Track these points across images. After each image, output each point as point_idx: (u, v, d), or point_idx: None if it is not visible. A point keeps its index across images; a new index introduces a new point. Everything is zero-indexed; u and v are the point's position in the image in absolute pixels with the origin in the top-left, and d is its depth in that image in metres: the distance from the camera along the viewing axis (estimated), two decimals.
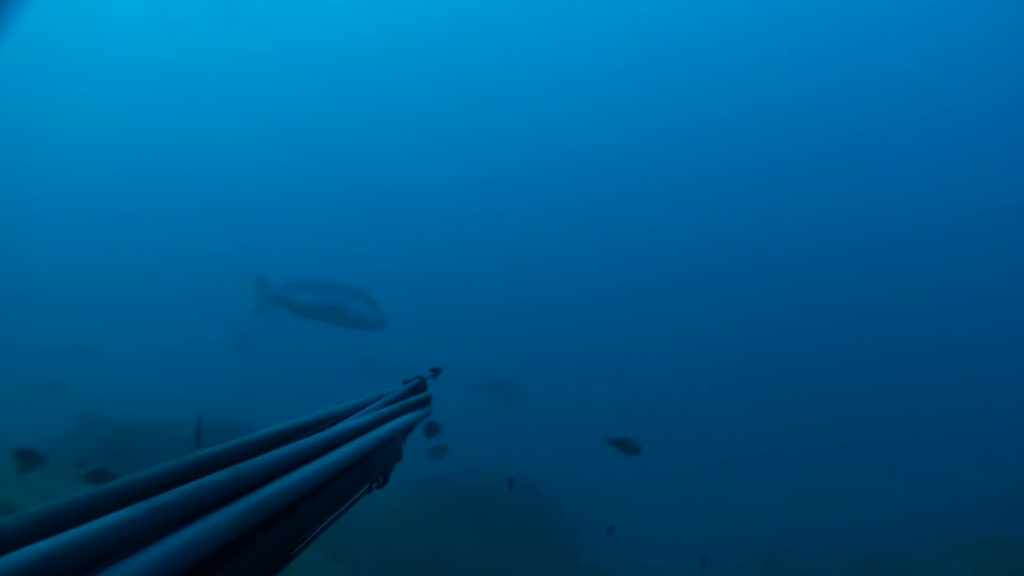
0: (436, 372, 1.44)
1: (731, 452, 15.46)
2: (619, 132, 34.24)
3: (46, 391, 13.62)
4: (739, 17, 32.06)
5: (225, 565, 0.56)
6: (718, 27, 32.47)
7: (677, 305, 27.20)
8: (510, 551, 9.37)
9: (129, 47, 34.86)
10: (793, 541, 10.61)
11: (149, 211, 30.74)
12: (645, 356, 22.88)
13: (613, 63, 34.88)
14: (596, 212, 32.41)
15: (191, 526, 0.52)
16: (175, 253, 26.72)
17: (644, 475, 11.36)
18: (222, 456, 0.64)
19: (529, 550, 9.60)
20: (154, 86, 35.09)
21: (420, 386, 1.34)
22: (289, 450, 0.71)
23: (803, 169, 31.73)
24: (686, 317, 26.17)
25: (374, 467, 0.94)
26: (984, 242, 28.43)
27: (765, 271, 28.94)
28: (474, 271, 28.62)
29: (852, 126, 29.27)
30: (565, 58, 35.20)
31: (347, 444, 0.84)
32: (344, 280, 8.00)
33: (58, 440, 9.88)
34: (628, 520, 11.20)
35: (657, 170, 33.07)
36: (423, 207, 32.17)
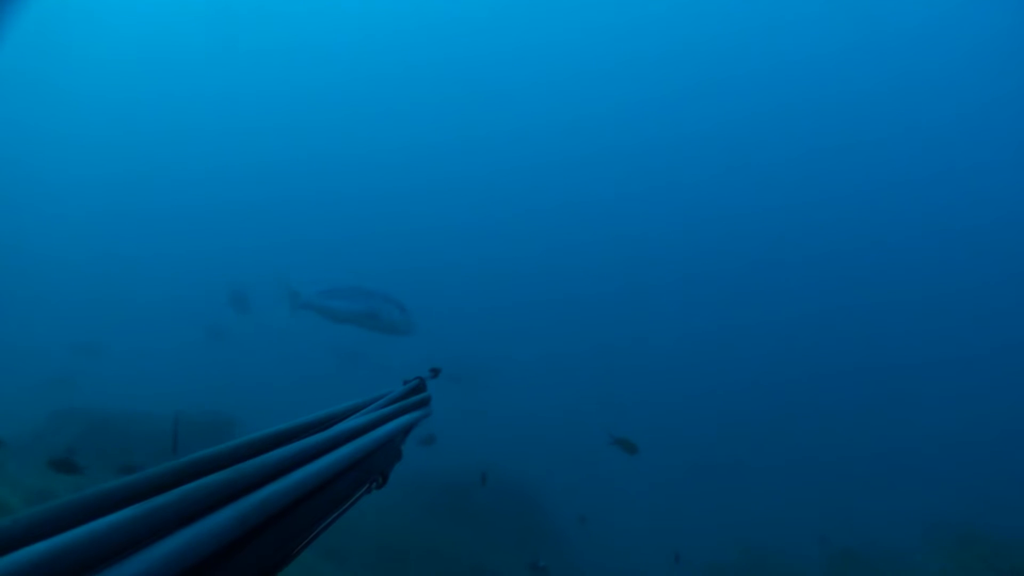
0: (436, 373, 1.44)
1: (709, 450, 15.67)
2: (605, 138, 34.34)
3: (52, 385, 13.52)
4: (741, 18, 32.12)
5: (225, 566, 0.56)
6: (728, 26, 32.52)
7: (658, 307, 27.45)
8: (487, 544, 9.43)
9: (137, 46, 34.45)
10: (770, 536, 10.78)
11: (140, 210, 30.36)
12: (627, 356, 23.09)
13: (617, 65, 34.92)
14: (578, 217, 32.49)
15: (190, 527, 0.52)
16: (162, 252, 26.56)
17: (622, 471, 11.46)
18: (221, 457, 0.64)
19: (505, 543, 9.66)
20: (153, 85, 34.85)
21: (420, 387, 1.34)
22: (288, 451, 0.71)
23: (779, 178, 31.94)
24: (667, 318, 26.46)
25: (374, 467, 0.94)
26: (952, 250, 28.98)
27: (742, 277, 29.28)
28: (460, 270, 28.62)
29: (851, 134, 29.65)
30: (566, 59, 35.16)
31: (346, 445, 0.83)
32: (357, 282, 8.17)
33: (34, 433, 9.75)
34: (605, 515, 11.37)
35: (629, 179, 33.28)
36: (411, 207, 32.22)
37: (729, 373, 22.00)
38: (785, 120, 32.16)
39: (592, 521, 9.77)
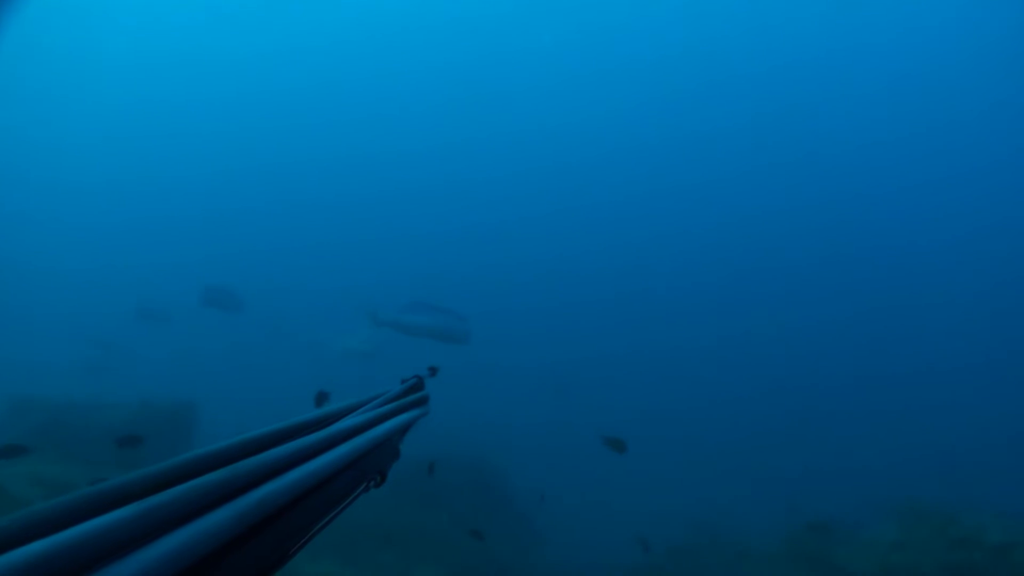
0: (434, 371, 1.44)
1: (667, 431, 15.85)
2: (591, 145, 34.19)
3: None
4: (747, 18, 32.08)
5: (221, 565, 0.55)
6: (739, 24, 32.43)
7: (616, 287, 27.60)
8: (451, 523, 9.49)
9: (150, 46, 33.92)
10: (727, 515, 10.97)
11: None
12: (593, 337, 23.22)
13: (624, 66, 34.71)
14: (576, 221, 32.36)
15: (187, 526, 0.51)
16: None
17: (583, 452, 11.56)
18: (218, 456, 0.64)
19: (470, 522, 9.72)
20: (154, 84, 34.26)
21: (418, 385, 1.34)
22: (285, 450, 0.70)
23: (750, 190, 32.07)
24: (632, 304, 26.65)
25: (371, 466, 0.93)
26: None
27: (694, 270, 29.49)
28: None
29: (855, 134, 29.76)
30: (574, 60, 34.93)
31: (344, 443, 0.83)
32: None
33: None
34: (566, 496, 11.49)
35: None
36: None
37: (694, 359, 22.23)
38: (819, 120, 31.98)
39: (553, 501, 9.87)
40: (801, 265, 27.85)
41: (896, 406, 17.81)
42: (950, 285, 26.16)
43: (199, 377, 14.00)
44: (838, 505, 10.24)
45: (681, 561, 9.39)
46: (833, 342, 23.21)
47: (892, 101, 30.81)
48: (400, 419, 1.09)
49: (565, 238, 30.53)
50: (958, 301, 25.19)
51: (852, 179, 30.56)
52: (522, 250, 29.47)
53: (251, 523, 0.58)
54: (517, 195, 33.45)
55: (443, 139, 34.81)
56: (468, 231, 31.75)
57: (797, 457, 14.32)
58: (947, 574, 8.64)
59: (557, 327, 23.79)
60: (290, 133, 34.64)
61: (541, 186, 33.37)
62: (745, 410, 17.84)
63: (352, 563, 8.65)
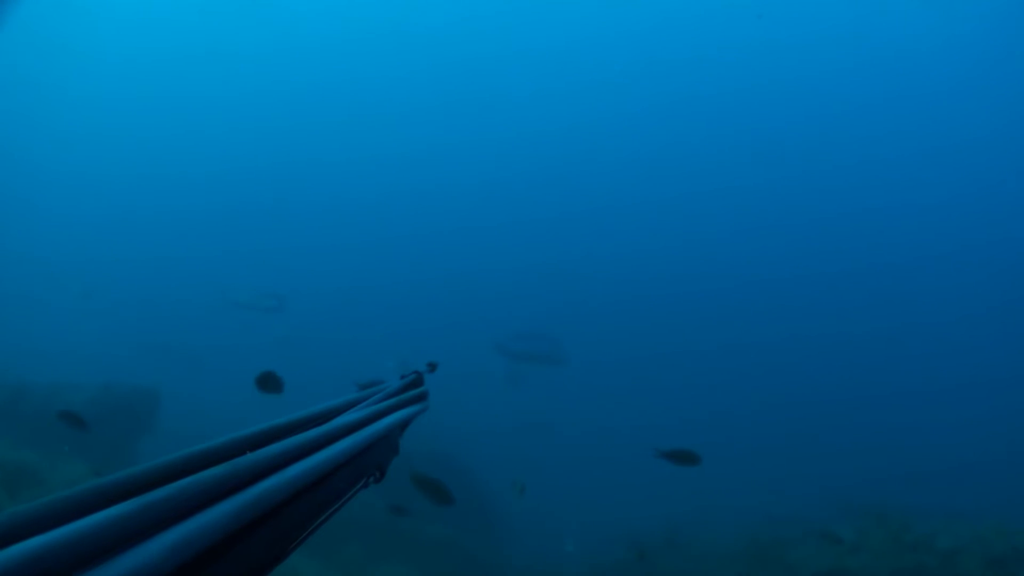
0: (433, 367, 1.44)
1: (632, 434, 16.05)
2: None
3: None
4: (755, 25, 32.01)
5: (220, 561, 0.55)
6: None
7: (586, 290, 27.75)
8: (417, 517, 9.48)
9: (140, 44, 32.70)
10: (690, 517, 11.18)
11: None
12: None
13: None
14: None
15: (185, 522, 0.51)
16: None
17: (553, 452, 11.68)
18: (218, 452, 0.64)
19: (437, 516, 9.74)
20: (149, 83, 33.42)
21: (417, 381, 1.33)
22: (284, 446, 0.70)
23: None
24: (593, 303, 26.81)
25: (370, 462, 0.93)
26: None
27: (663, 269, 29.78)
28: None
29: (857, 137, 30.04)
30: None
31: (343, 440, 0.82)
32: None
33: None
34: (536, 495, 11.58)
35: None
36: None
37: (660, 365, 22.46)
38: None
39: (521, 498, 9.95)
40: (770, 280, 28.20)
41: (858, 415, 18.30)
42: (917, 301, 26.89)
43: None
44: (797, 509, 10.49)
45: (644, 560, 9.52)
46: (795, 352, 23.68)
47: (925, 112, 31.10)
48: (399, 415, 1.09)
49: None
50: (919, 319, 25.85)
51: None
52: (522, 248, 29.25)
53: (250, 519, 0.58)
54: (517, 196, 33.28)
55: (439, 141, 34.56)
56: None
57: (758, 462, 14.63)
58: None
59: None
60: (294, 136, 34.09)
61: (537, 185, 33.32)
62: (709, 417, 18.14)
63: (318, 556, 8.61)
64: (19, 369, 10.39)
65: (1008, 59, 27.89)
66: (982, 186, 29.18)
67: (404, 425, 1.14)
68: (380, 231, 30.31)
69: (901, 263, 28.41)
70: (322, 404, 0.93)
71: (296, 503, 0.68)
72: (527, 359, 10.19)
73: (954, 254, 28.27)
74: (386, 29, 34.83)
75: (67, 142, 31.87)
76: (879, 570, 9.00)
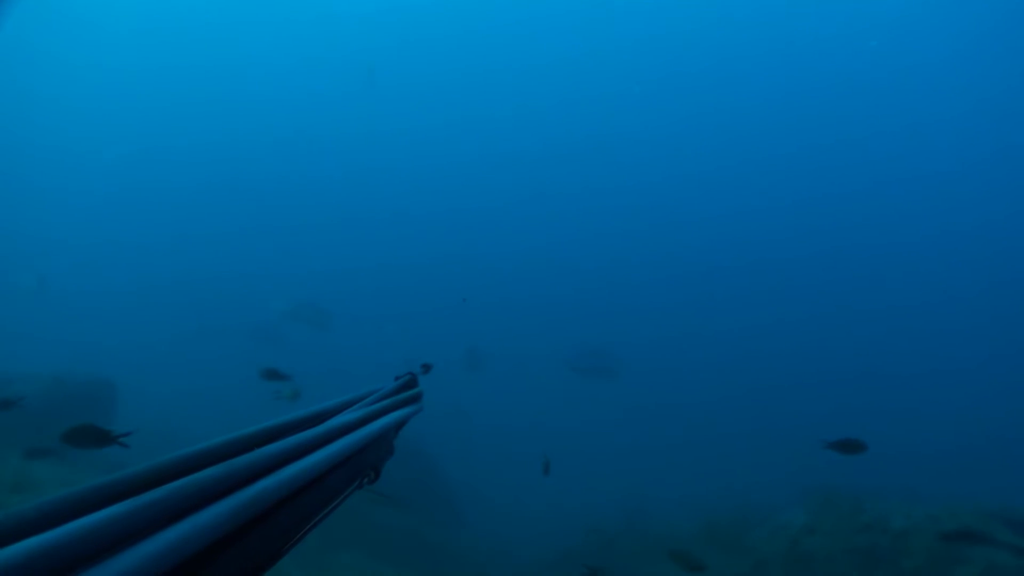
0: (427, 369, 1.45)
1: (592, 420, 16.16)
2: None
3: None
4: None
5: (215, 562, 0.55)
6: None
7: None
8: (374, 504, 9.45)
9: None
10: (649, 502, 11.29)
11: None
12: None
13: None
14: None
15: (181, 522, 0.51)
16: None
17: (512, 438, 11.70)
18: (213, 452, 0.64)
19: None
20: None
21: (411, 382, 1.34)
22: (280, 447, 0.70)
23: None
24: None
25: (365, 463, 0.94)
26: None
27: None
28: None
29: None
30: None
31: (338, 440, 0.83)
32: None
33: None
34: (494, 482, 11.60)
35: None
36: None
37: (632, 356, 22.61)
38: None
39: (484, 487, 9.99)
40: (725, 268, 28.44)
41: (813, 400, 18.55)
42: (872, 287, 27.29)
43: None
44: (753, 491, 10.61)
45: (604, 544, 9.58)
46: (749, 337, 23.96)
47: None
48: (394, 416, 1.10)
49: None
50: (870, 305, 26.22)
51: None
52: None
53: (246, 520, 0.58)
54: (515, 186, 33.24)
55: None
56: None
57: (714, 447, 14.78)
58: (854, 557, 9.06)
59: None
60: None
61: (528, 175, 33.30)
62: (667, 404, 18.31)
63: None
64: None
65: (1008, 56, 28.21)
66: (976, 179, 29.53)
67: (399, 426, 1.14)
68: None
69: (855, 250, 28.83)
70: (318, 405, 0.93)
71: (292, 503, 0.68)
72: (591, 373, 12.33)
73: (914, 243, 28.62)
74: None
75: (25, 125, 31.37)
76: (833, 551, 9.14)
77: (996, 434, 15.72)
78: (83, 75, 32.93)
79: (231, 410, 9.95)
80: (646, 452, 14.50)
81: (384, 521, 9.33)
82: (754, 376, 21.21)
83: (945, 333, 23.80)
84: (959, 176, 29.58)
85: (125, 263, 23.62)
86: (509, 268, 28.59)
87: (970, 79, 29.81)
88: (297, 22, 34.64)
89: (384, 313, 23.04)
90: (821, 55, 31.88)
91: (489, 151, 34.08)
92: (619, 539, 9.72)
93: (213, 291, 20.68)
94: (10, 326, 15.22)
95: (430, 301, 23.87)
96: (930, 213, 29.27)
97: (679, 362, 22.40)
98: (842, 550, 9.12)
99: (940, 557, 8.92)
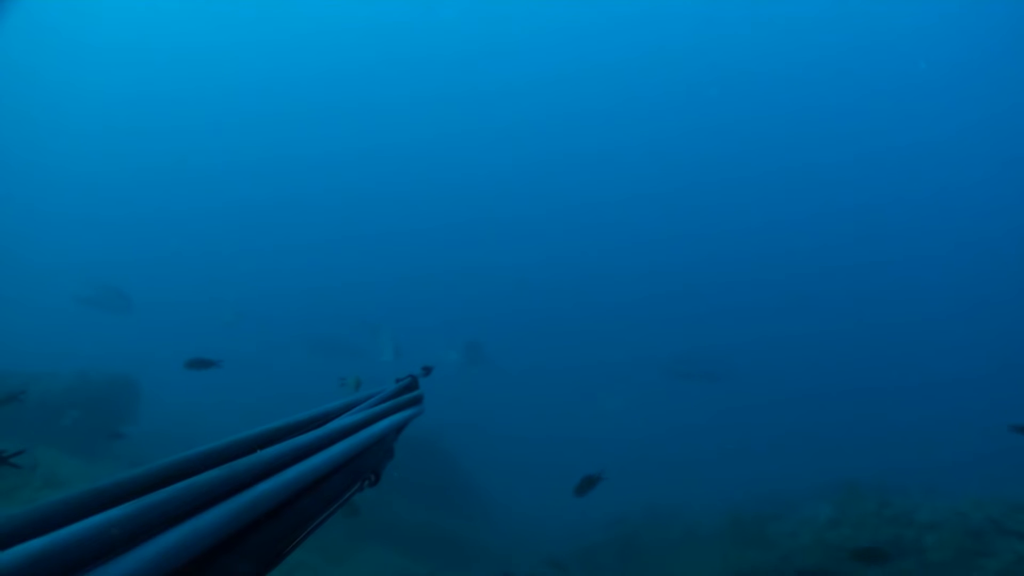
0: (427, 371, 1.46)
1: (619, 415, 16.11)
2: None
3: None
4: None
5: (216, 564, 0.55)
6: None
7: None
8: (402, 498, 9.47)
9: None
10: (676, 497, 11.24)
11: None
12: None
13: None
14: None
15: (182, 525, 0.51)
16: None
17: (539, 431, 11.66)
18: (215, 455, 0.64)
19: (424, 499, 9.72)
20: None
21: (411, 385, 1.34)
22: (281, 449, 0.70)
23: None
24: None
25: (366, 465, 0.93)
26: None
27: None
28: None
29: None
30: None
31: (338, 443, 0.83)
32: None
33: None
34: (519, 477, 11.56)
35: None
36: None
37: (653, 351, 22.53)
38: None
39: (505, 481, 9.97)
40: (754, 277, 28.29)
41: (838, 393, 18.44)
42: (895, 296, 27.09)
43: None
44: (778, 485, 10.55)
45: (628, 537, 9.55)
46: (775, 332, 23.82)
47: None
48: (394, 419, 1.10)
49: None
50: (896, 312, 26.02)
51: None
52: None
53: (246, 522, 0.58)
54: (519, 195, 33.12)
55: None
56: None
57: (741, 441, 14.69)
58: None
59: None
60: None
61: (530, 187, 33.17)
62: (694, 399, 18.20)
63: None
64: None
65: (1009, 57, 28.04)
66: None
67: (399, 429, 1.14)
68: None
69: (887, 261, 28.63)
70: (319, 407, 0.93)
71: (293, 506, 0.69)
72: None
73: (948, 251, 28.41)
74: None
75: (68, 142, 31.59)
76: (858, 543, 9.07)
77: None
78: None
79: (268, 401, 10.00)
80: (671, 446, 14.45)
81: (409, 515, 9.33)
82: (779, 375, 21.07)
83: (973, 331, 23.56)
84: None
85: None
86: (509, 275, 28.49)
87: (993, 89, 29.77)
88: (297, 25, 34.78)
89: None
90: (874, 69, 31.76)
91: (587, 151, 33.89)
92: (643, 533, 9.68)
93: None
94: (45, 330, 15.43)
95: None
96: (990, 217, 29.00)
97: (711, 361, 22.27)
98: (867, 542, 9.07)
99: (966, 550, 8.84)
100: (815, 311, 25.77)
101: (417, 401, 1.30)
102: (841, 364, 21.40)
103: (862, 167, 31.50)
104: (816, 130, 32.36)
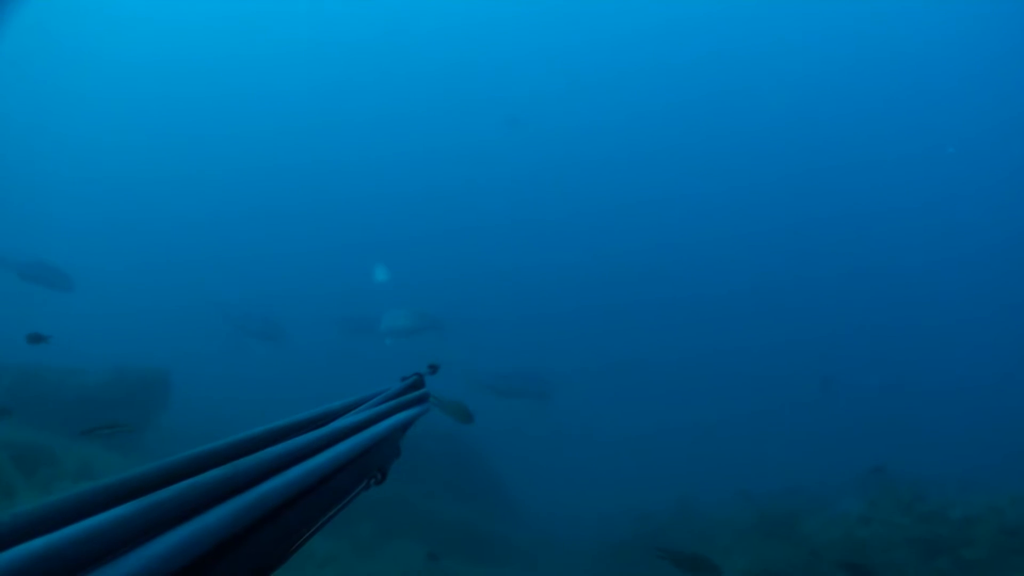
0: (434, 369, 1.44)
1: (645, 417, 16.06)
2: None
3: None
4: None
5: (222, 563, 0.55)
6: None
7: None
8: (428, 495, 9.53)
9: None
10: (704, 490, 11.18)
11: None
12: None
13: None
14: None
15: (188, 523, 0.51)
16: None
17: (566, 431, 11.64)
18: (219, 453, 0.64)
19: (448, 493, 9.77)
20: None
21: (418, 383, 1.34)
22: (286, 447, 0.70)
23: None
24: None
25: (372, 464, 0.93)
26: None
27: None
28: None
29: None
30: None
31: (344, 441, 0.83)
32: None
33: None
34: (552, 471, 11.56)
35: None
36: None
37: (676, 347, 22.45)
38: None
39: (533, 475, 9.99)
40: (769, 277, 28.04)
41: (870, 392, 18.21)
42: (925, 279, 26.71)
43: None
44: (808, 481, 10.45)
45: (656, 533, 9.51)
46: (805, 325, 23.59)
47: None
48: (400, 417, 1.10)
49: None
50: (930, 293, 25.68)
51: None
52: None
53: (252, 520, 0.58)
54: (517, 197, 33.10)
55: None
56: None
57: (771, 435, 14.57)
58: (913, 547, 8.85)
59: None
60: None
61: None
62: (722, 392, 18.11)
63: (328, 535, 8.66)
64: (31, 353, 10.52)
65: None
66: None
67: (405, 427, 1.14)
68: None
69: (932, 263, 28.23)
70: (324, 406, 0.93)
71: (298, 505, 0.68)
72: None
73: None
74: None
75: (72, 144, 32.09)
76: (892, 540, 8.93)
77: None
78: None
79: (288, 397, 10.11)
80: (699, 441, 14.37)
81: (436, 511, 9.39)
82: (806, 365, 20.87)
83: (1004, 322, 23.14)
84: None
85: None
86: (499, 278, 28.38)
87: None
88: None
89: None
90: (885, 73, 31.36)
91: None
92: (671, 528, 9.64)
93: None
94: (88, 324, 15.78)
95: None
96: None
97: (737, 355, 22.16)
98: (900, 540, 8.93)
99: (1003, 548, 8.66)
100: (852, 307, 25.41)
101: (423, 399, 1.30)
102: (880, 361, 21.08)
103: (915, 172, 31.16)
104: (832, 136, 32.17)
